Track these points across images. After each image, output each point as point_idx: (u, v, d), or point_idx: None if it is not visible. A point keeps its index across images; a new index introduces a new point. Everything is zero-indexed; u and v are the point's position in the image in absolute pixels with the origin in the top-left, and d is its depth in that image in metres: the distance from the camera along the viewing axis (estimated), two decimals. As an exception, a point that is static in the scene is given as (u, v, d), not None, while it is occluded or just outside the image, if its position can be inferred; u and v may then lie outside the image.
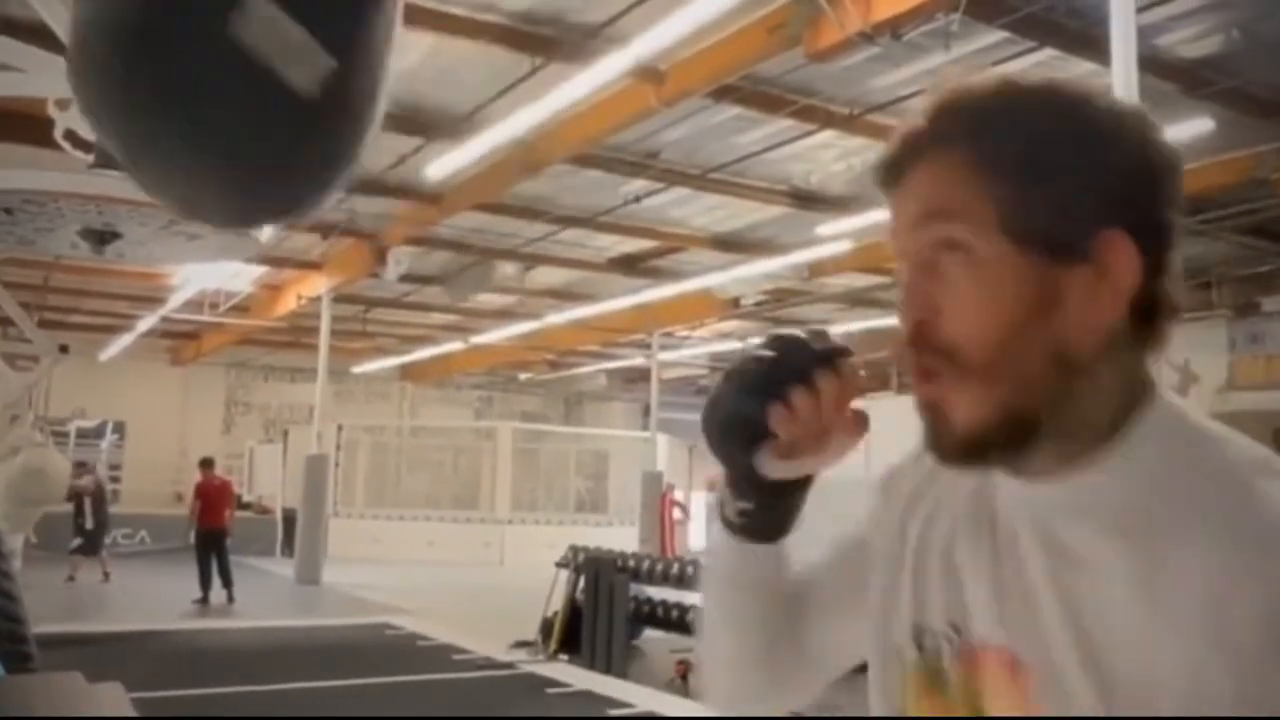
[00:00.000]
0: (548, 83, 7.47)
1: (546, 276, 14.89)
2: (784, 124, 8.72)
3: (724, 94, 8.03)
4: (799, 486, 0.85)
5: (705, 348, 20.13)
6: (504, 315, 16.94)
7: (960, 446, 0.70)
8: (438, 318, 18.34)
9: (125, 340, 18.78)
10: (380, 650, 8.87)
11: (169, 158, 0.70)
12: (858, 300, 15.50)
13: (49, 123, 3.37)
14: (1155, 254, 0.71)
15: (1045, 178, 0.68)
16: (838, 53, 6.79)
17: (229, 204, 0.73)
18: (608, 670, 7.99)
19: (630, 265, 14.11)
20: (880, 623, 0.83)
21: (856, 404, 0.81)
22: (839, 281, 14.05)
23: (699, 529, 24.82)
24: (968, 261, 0.69)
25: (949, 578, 0.77)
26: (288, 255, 13.47)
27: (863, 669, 0.87)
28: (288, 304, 15.74)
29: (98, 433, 21.46)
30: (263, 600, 12.17)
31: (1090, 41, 6.30)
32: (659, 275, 14.19)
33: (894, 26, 6.39)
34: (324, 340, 15.28)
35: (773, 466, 0.80)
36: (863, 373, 0.79)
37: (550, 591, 9.08)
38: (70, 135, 3.37)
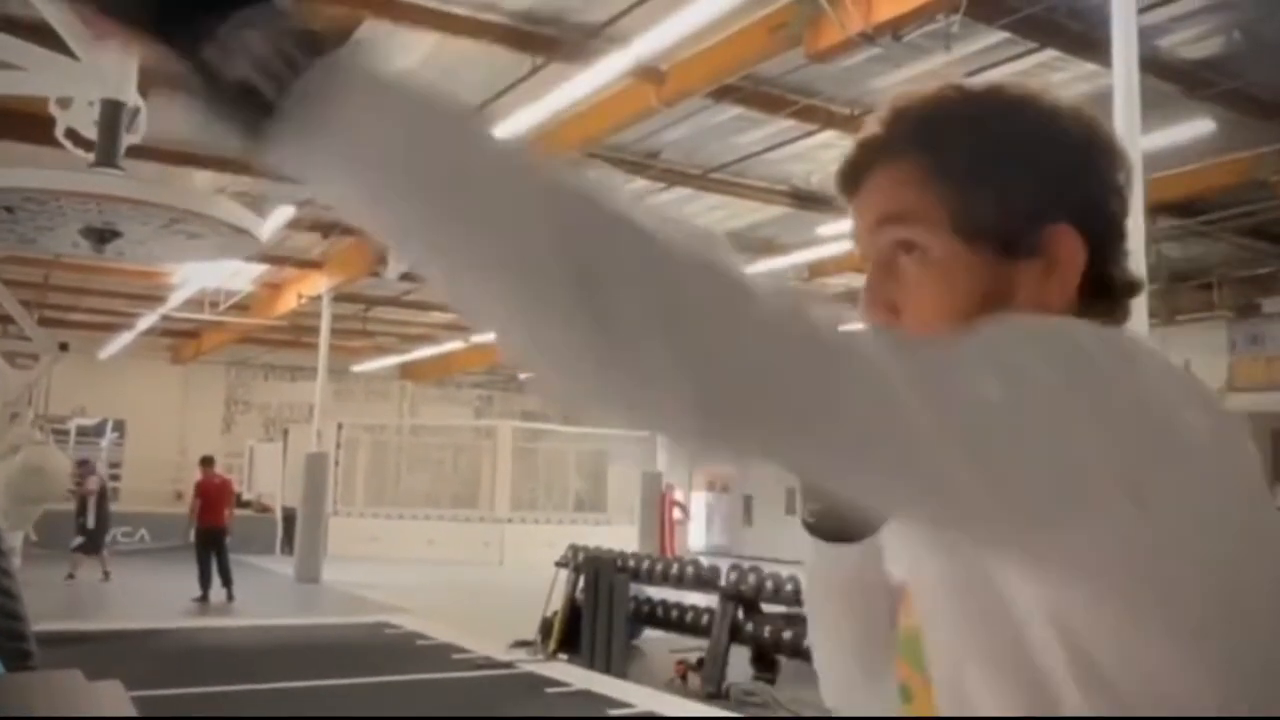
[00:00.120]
0: (548, 82, 7.47)
1: (547, 276, 14.87)
2: (785, 124, 8.72)
3: (725, 94, 8.03)
4: None
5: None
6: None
7: None
8: (438, 316, 18.34)
9: (125, 339, 18.78)
10: (380, 649, 8.87)
11: None
12: (858, 300, 15.48)
13: (50, 121, 3.37)
14: (1102, 241, 0.73)
15: (990, 178, 0.72)
16: (838, 53, 6.80)
17: None
18: (607, 670, 7.99)
19: (630, 265, 14.10)
20: None
21: None
22: (839, 281, 14.03)
23: (698, 529, 24.84)
24: (923, 261, 0.73)
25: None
26: (288, 254, 13.47)
27: None
28: (288, 303, 15.74)
29: (98, 431, 21.47)
30: (262, 599, 12.17)
31: (1091, 42, 6.30)
32: (659, 275, 14.19)
33: (895, 27, 6.39)
34: (324, 339, 15.27)
35: None
36: None
37: (550, 591, 9.08)
38: (71, 134, 3.37)
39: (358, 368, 21.56)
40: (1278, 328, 12.64)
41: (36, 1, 3.19)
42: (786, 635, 7.19)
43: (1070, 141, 0.74)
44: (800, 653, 6.81)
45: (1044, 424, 0.57)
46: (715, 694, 7.27)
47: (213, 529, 11.98)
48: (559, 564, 9.33)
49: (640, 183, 10.27)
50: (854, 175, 0.78)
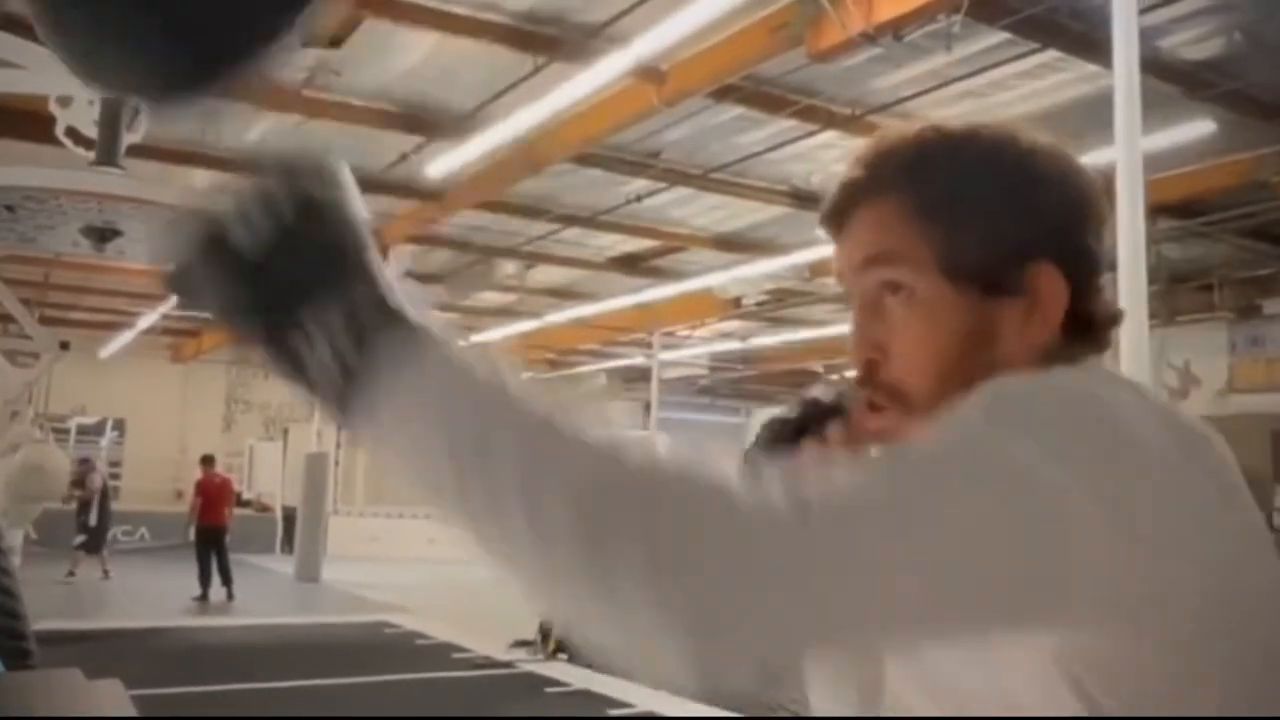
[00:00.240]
0: (549, 82, 7.47)
1: (547, 275, 14.89)
2: (785, 124, 8.72)
3: (725, 94, 8.02)
4: None
5: (706, 347, 20.12)
6: (504, 314, 16.94)
7: None
8: (438, 316, 18.34)
9: (126, 337, 18.78)
10: (379, 648, 8.88)
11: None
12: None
13: (50, 120, 3.37)
14: (1082, 278, 0.75)
15: (974, 219, 0.74)
16: (839, 53, 6.79)
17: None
18: (607, 670, 7.99)
19: (631, 264, 14.11)
20: None
21: None
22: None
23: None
24: (909, 302, 0.74)
25: None
26: (289, 253, 13.45)
27: None
28: (288, 302, 15.71)
29: (98, 430, 21.48)
30: (262, 598, 12.18)
31: (1092, 43, 6.30)
32: (660, 275, 14.19)
33: (896, 27, 6.39)
34: (324, 338, 15.25)
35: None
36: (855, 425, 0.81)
37: (549, 590, 9.06)
38: (72, 132, 3.37)
39: (358, 367, 21.54)
40: (1278, 329, 12.63)
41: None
42: (786, 635, 7.18)
43: (1049, 181, 0.75)
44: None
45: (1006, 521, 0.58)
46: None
47: (213, 528, 11.99)
48: (559, 564, 9.32)
49: (641, 182, 10.27)
50: (838, 215, 0.79)
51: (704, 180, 10.18)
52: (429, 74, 8.22)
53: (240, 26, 0.69)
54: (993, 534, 0.57)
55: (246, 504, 18.90)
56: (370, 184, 10.74)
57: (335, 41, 7.67)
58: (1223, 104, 7.70)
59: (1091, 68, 7.05)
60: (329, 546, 15.67)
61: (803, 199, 10.83)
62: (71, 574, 12.85)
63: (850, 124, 8.55)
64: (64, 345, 6.05)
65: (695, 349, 20.07)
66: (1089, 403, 0.64)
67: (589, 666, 8.11)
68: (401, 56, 7.98)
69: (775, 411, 0.86)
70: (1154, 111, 5.61)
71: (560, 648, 8.65)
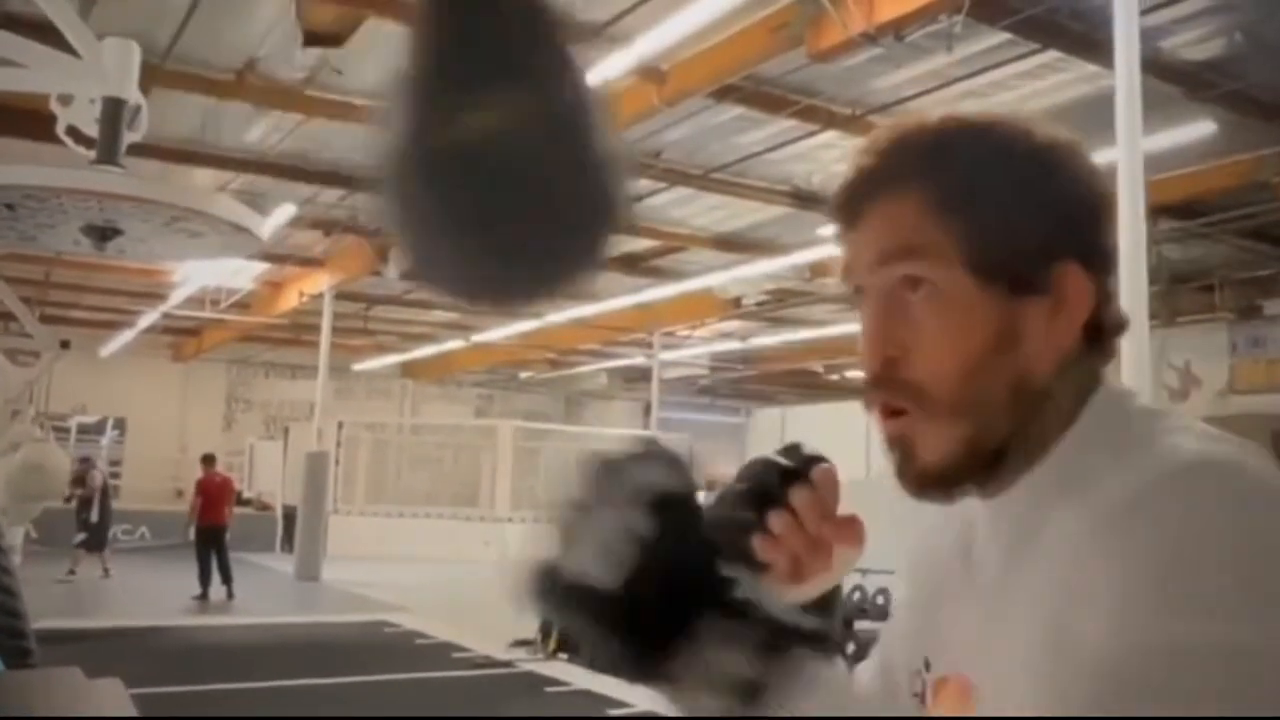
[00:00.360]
0: (550, 81, 7.46)
1: (548, 275, 14.87)
2: (786, 124, 8.72)
3: (726, 94, 8.03)
4: (825, 604, 0.84)
5: (706, 347, 20.13)
6: (505, 313, 16.94)
7: (929, 480, 0.72)
8: (439, 315, 18.34)
9: (126, 336, 18.79)
10: (379, 648, 8.88)
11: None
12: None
13: (51, 118, 3.37)
14: (1101, 280, 0.73)
15: (1002, 213, 0.71)
16: (840, 53, 6.80)
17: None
18: (607, 669, 7.99)
19: (631, 264, 14.10)
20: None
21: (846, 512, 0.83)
22: (840, 282, 14.04)
23: (699, 529, 24.84)
24: (933, 299, 0.71)
25: (930, 613, 0.79)
26: (290, 252, 13.47)
27: None
28: (289, 301, 15.74)
29: (98, 429, 21.49)
30: (262, 597, 12.18)
31: (1093, 44, 6.30)
32: (660, 274, 14.19)
33: (897, 28, 6.39)
34: (325, 337, 15.28)
35: (785, 593, 0.79)
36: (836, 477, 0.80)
37: (549, 590, 9.07)
38: (72, 131, 3.37)
39: (359, 366, 21.56)
40: (1279, 330, 12.63)
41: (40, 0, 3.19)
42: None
43: (1075, 177, 0.73)
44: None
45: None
46: (715, 694, 7.26)
47: (213, 527, 11.99)
48: (559, 563, 9.32)
49: (642, 182, 10.27)
50: (853, 207, 0.75)
51: (704, 180, 10.18)
52: (430, 73, 8.22)
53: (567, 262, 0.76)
54: None
55: (247, 503, 18.91)
56: (371, 183, 10.72)
57: (337, 40, 7.68)
58: (1223, 105, 7.70)
59: (1092, 68, 7.05)
60: (329, 546, 15.67)
61: (803, 199, 10.84)
62: (72, 572, 12.86)
63: (851, 124, 8.55)
64: (65, 344, 6.04)
65: (695, 349, 20.08)
66: None
67: (589, 666, 8.12)
68: (403, 56, 7.97)
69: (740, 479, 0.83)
70: (1155, 112, 5.61)
71: (560, 647, 8.65)
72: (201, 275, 14.21)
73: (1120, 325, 0.75)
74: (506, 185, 0.69)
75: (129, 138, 3.37)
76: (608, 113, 0.76)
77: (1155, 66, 6.67)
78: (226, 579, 11.84)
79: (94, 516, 13.18)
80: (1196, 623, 0.56)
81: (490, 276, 0.74)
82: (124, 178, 3.20)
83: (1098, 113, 6.48)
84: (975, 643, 0.72)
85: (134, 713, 1.55)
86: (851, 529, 0.81)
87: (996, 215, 0.70)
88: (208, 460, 12.75)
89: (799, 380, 23.53)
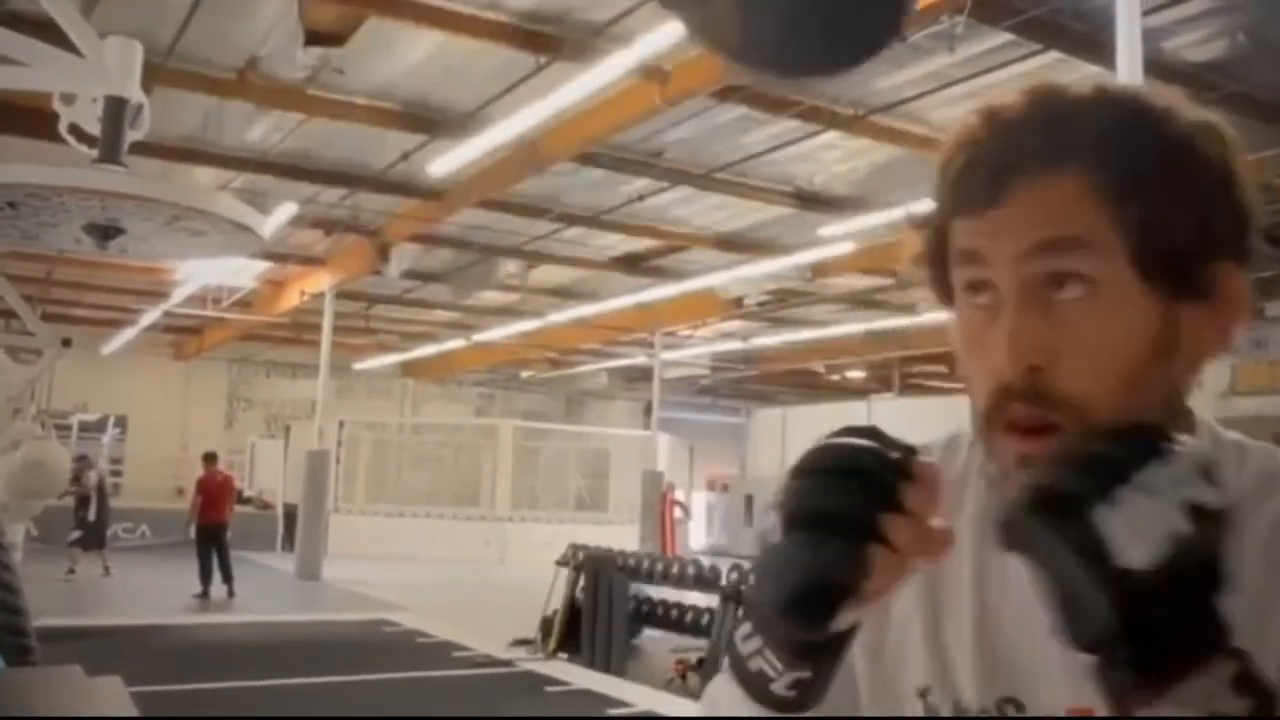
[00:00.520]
0: (552, 81, 7.47)
1: (549, 275, 14.90)
2: (788, 124, 8.72)
3: (728, 94, 8.03)
4: (858, 627, 0.64)
5: (707, 347, 20.13)
6: (506, 313, 16.96)
7: None
8: (440, 315, 18.35)
9: (128, 334, 18.80)
10: (379, 647, 8.88)
11: None
12: (860, 301, 15.50)
13: (53, 117, 3.37)
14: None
15: (1178, 205, 0.63)
16: (842, 53, 6.79)
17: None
18: (607, 669, 8.00)
19: (633, 264, 14.11)
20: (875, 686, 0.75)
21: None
22: (841, 282, 14.05)
23: (699, 528, 24.84)
24: (1092, 298, 0.62)
25: (991, 645, 0.70)
26: (291, 251, 13.49)
27: None
28: (290, 300, 15.75)
29: (99, 427, 21.50)
30: (263, 595, 12.19)
31: (1095, 45, 6.30)
32: (662, 274, 14.20)
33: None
34: (326, 336, 15.29)
35: (847, 617, 0.61)
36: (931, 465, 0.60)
37: (550, 590, 9.08)
38: (75, 130, 3.37)
39: (359, 365, 21.57)
40: (1280, 331, 12.62)
41: (41, -2, 3.19)
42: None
43: (1237, 167, 0.66)
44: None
45: None
46: (715, 694, 7.26)
47: (214, 525, 12.00)
48: (559, 563, 9.33)
49: (643, 182, 10.27)
50: (998, 181, 0.64)
51: (706, 180, 10.18)
52: (432, 73, 8.23)
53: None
54: None
55: (248, 501, 18.91)
56: (372, 182, 10.75)
57: (339, 40, 7.68)
58: (1226, 106, 7.69)
59: (1094, 69, 7.04)
60: (330, 545, 15.68)
61: (805, 199, 10.84)
62: (71, 571, 12.86)
63: (852, 124, 8.56)
64: (66, 342, 6.04)
65: (697, 349, 20.08)
66: None
67: (589, 665, 8.12)
68: (405, 55, 7.98)
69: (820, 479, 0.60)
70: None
71: (560, 647, 8.65)
72: (203, 274, 14.22)
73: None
74: None
75: (131, 136, 3.37)
76: None
77: (1157, 68, 6.66)
78: (227, 577, 11.85)
79: (91, 515, 13.18)
80: None
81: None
82: (126, 176, 3.20)
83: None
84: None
85: (134, 711, 1.55)
86: (943, 542, 0.60)
87: (1170, 206, 0.62)
88: (209, 459, 12.75)
89: (800, 380, 23.54)
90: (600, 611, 8.50)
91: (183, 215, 3.25)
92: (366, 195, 11.18)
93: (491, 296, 16.13)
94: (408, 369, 23.15)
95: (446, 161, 9.26)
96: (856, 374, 22.04)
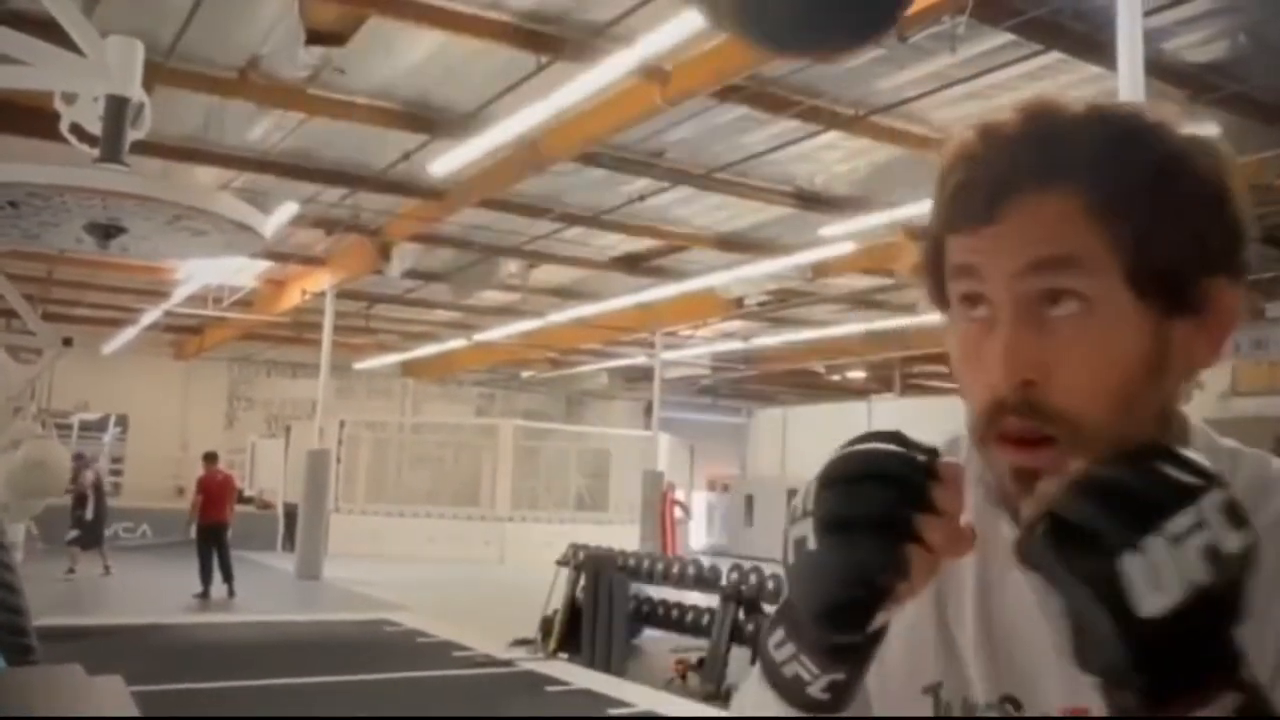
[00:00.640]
0: (553, 81, 7.47)
1: (550, 274, 14.90)
2: (789, 125, 8.72)
3: (729, 94, 8.03)
4: (887, 628, 0.66)
5: (708, 347, 20.13)
6: (507, 313, 16.96)
7: None
8: (440, 314, 18.36)
9: (129, 334, 18.81)
10: (379, 646, 8.88)
11: None
12: (860, 301, 15.51)
13: (54, 116, 3.38)
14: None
15: (1171, 223, 0.64)
16: (843, 54, 6.79)
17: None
18: (607, 669, 8.00)
19: (634, 264, 14.11)
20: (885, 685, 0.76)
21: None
22: (842, 282, 14.05)
23: (700, 529, 24.85)
24: (1085, 315, 0.63)
25: (993, 645, 0.72)
26: (292, 251, 13.49)
27: None
28: (291, 299, 15.76)
29: (100, 426, 21.51)
30: (263, 595, 12.19)
31: (1096, 45, 6.30)
32: (662, 274, 14.20)
33: (900, 29, 6.38)
34: (327, 336, 15.29)
35: (881, 618, 0.63)
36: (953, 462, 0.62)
37: (550, 590, 9.08)
38: (76, 129, 3.37)
39: (360, 365, 21.58)
40: (1281, 332, 12.61)
41: (43, -3, 3.20)
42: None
43: (1231, 184, 0.67)
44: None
45: None
46: (715, 694, 7.26)
47: (215, 525, 12.00)
48: (559, 563, 9.34)
49: (644, 182, 10.27)
50: (995, 199, 0.65)
51: (707, 180, 10.18)
52: (433, 72, 8.23)
53: None
54: None
55: (248, 501, 18.91)
56: (373, 182, 10.74)
57: (340, 39, 7.68)
58: (1227, 107, 7.69)
59: (1095, 70, 7.04)
60: (330, 544, 15.69)
61: (805, 199, 10.84)
62: (71, 570, 12.87)
63: (854, 125, 8.55)
64: (67, 341, 6.04)
65: (697, 349, 20.08)
66: None
67: (589, 665, 8.12)
68: (406, 55, 7.98)
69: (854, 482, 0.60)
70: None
71: (560, 647, 8.66)
72: (204, 273, 14.23)
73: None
74: None
75: (132, 136, 3.37)
76: None
77: (1158, 68, 6.66)
78: (228, 577, 11.85)
79: (89, 514, 13.19)
80: None
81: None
82: (127, 176, 3.20)
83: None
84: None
85: (135, 711, 1.55)
86: (971, 540, 0.62)
87: (1163, 225, 0.63)
88: (209, 458, 12.75)
89: (800, 380, 23.53)
90: (600, 611, 8.50)
91: (184, 215, 3.25)
92: (367, 195, 11.18)
93: (492, 296, 16.14)
94: (408, 369, 23.15)
95: (447, 161, 9.26)
96: (857, 374, 22.04)
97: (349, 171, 10.64)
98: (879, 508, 0.58)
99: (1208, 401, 12.39)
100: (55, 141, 3.44)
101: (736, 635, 7.61)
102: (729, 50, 7.16)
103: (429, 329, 19.51)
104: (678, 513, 20.16)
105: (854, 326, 16.54)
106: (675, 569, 8.67)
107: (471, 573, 16.22)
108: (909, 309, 14.33)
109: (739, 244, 12.58)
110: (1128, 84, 4.95)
